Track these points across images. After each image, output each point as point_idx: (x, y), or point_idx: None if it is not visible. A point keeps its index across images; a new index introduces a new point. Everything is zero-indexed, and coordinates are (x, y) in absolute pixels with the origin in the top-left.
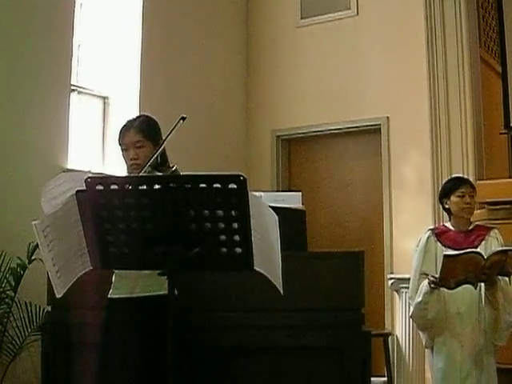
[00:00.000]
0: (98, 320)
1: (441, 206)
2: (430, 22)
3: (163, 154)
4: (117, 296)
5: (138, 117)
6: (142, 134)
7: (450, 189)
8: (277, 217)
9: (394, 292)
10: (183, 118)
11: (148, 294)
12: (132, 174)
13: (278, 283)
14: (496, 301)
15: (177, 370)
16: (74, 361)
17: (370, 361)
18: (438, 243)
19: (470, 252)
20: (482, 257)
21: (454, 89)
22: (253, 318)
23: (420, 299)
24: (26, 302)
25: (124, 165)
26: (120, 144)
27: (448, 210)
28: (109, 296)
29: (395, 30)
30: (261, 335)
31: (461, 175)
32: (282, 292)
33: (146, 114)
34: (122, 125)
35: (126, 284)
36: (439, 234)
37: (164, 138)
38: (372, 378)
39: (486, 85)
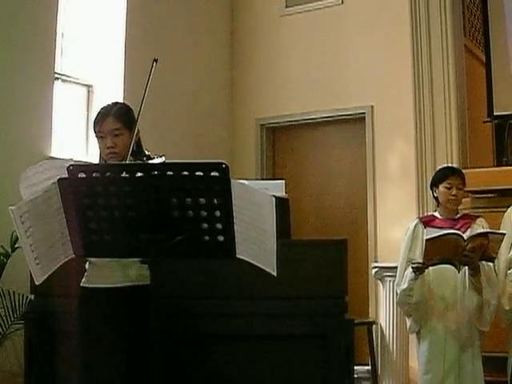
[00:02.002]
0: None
1: (425, 195)
2: (414, 11)
3: (139, 140)
4: (93, 285)
5: (114, 104)
6: (121, 121)
7: (439, 178)
8: (273, 198)
9: (378, 281)
10: (156, 60)
11: (126, 284)
12: (114, 162)
13: (271, 268)
14: (480, 286)
15: (159, 358)
16: (58, 349)
17: (353, 349)
18: (425, 231)
19: (449, 233)
20: (462, 238)
21: (438, 78)
22: (235, 306)
23: (405, 286)
24: (9, 291)
25: (97, 152)
26: (96, 131)
27: (436, 199)
28: (82, 285)
29: (380, 18)
30: (243, 323)
31: (454, 165)
32: (275, 275)
33: (121, 101)
34: (98, 112)
35: (103, 274)
36: (427, 222)
37: (145, 87)
38: (356, 367)
39: (470, 73)
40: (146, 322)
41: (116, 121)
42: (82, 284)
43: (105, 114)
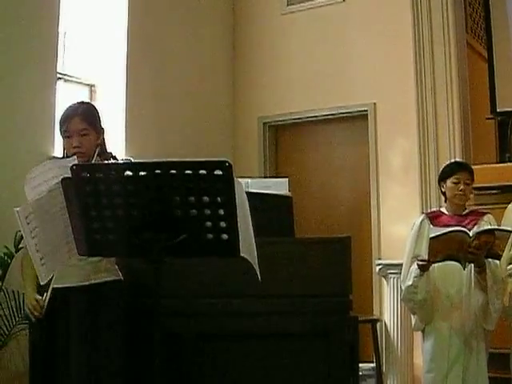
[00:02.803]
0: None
1: (428, 192)
2: (416, 8)
3: (103, 140)
4: (61, 285)
5: (80, 103)
6: (87, 122)
7: (447, 173)
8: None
9: (382, 278)
10: None
11: (100, 280)
12: (118, 161)
13: (257, 269)
14: (485, 284)
15: (161, 359)
16: (62, 349)
17: (357, 347)
18: (432, 227)
19: (454, 230)
20: (468, 235)
21: (440, 74)
22: (238, 305)
23: (410, 282)
24: (13, 291)
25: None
26: (62, 131)
27: (444, 194)
28: (54, 286)
29: (381, 16)
30: (247, 321)
31: (462, 161)
32: (259, 278)
33: (85, 101)
34: (64, 111)
35: (71, 273)
36: (433, 217)
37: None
38: (360, 364)
39: (472, 70)
40: (118, 317)
41: (82, 121)
42: (54, 285)
43: (71, 114)
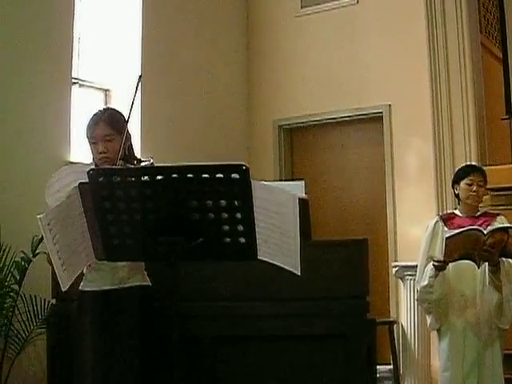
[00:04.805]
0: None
1: (444, 193)
2: (430, 9)
3: (130, 145)
4: (93, 289)
5: (104, 110)
6: (112, 127)
7: (460, 175)
8: (297, 197)
9: (399, 280)
10: (140, 76)
11: (127, 285)
12: (135, 166)
13: (294, 267)
14: (499, 283)
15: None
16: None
17: (375, 349)
18: (445, 228)
19: (468, 229)
20: (482, 233)
21: (455, 75)
22: (257, 307)
23: (425, 283)
24: (30, 296)
25: (90, 157)
26: (88, 137)
27: (457, 196)
28: (82, 289)
29: (395, 17)
30: (265, 324)
31: (475, 163)
32: (299, 274)
33: (111, 107)
34: (90, 118)
35: (103, 276)
36: (447, 219)
37: (132, 100)
38: (378, 366)
39: (486, 71)
40: (137, 322)
41: (107, 126)
42: (80, 287)
43: (96, 120)
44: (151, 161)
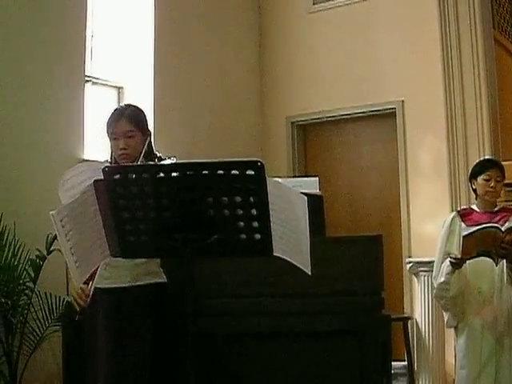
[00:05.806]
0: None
1: (457, 189)
2: (442, 4)
3: (150, 143)
4: (108, 286)
5: (126, 106)
6: (133, 123)
7: (477, 171)
8: (305, 197)
9: (413, 276)
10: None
11: (143, 282)
12: (145, 163)
13: (305, 266)
14: None
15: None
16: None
17: (390, 345)
18: (463, 224)
19: (486, 227)
20: (500, 230)
21: (468, 71)
22: (272, 304)
23: (442, 279)
24: (45, 293)
25: (106, 154)
26: (109, 133)
27: (475, 191)
28: (96, 285)
29: (408, 13)
30: (280, 320)
31: (492, 158)
32: (309, 273)
33: (132, 104)
34: (111, 114)
35: (118, 273)
36: (464, 214)
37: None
38: (392, 363)
39: (499, 66)
40: (152, 320)
41: (129, 123)
42: (94, 284)
43: (118, 116)
44: (174, 160)
